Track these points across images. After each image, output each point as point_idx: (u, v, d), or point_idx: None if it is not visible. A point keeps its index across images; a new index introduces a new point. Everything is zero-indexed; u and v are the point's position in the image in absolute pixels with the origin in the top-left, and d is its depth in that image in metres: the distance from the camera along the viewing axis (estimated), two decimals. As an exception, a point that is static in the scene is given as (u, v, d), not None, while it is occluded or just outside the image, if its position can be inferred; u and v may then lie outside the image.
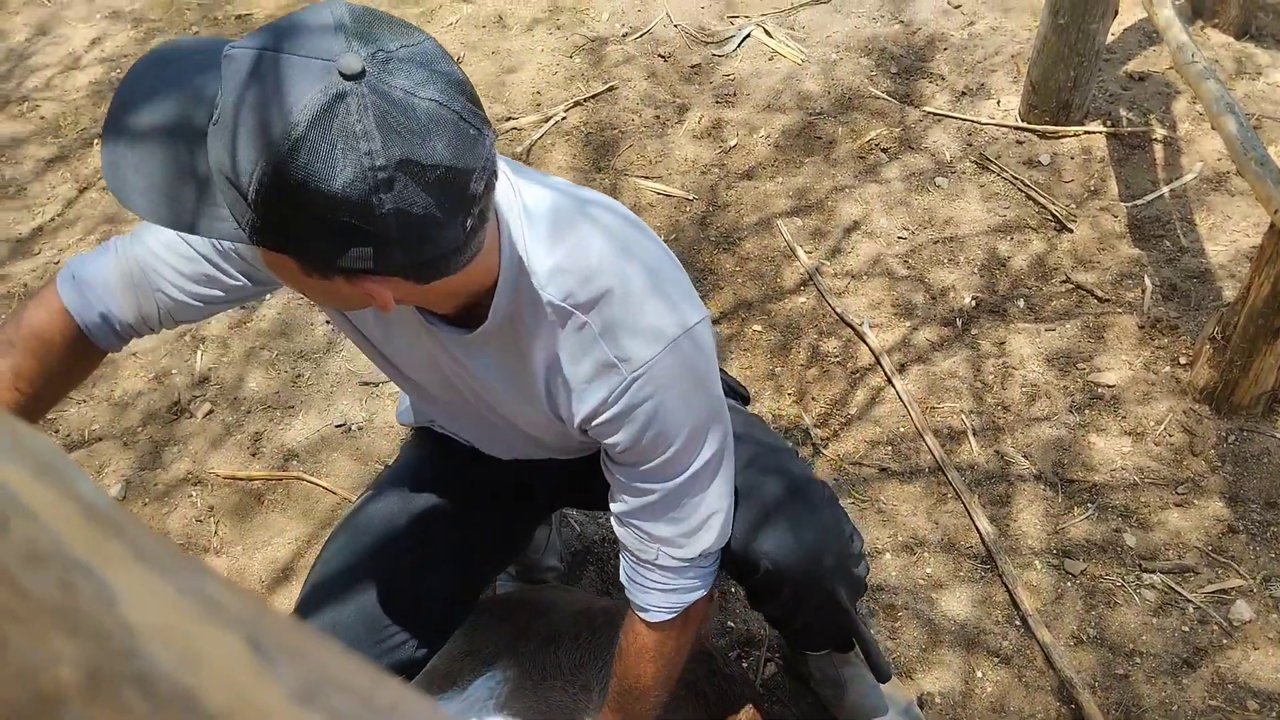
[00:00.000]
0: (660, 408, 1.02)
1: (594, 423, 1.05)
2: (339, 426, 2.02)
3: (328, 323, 2.20)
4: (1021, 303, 2.16)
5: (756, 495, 1.22)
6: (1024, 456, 1.91)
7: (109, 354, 1.17)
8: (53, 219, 2.48)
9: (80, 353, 1.12)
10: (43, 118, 2.76)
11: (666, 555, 1.16)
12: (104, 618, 0.20)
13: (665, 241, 2.23)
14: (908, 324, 2.14)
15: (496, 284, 0.95)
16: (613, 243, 1.00)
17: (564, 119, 2.63)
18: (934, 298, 2.18)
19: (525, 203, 0.98)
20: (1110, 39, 2.60)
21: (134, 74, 0.82)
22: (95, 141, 2.66)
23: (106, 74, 2.89)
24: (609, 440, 1.06)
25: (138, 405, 2.08)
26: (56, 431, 2.03)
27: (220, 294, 1.10)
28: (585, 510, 1.83)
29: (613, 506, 1.17)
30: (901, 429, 1.96)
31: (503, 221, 0.95)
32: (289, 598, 1.76)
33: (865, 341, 2.10)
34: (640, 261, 1.01)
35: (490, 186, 0.81)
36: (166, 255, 1.07)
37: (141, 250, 1.09)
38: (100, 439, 2.02)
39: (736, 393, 1.42)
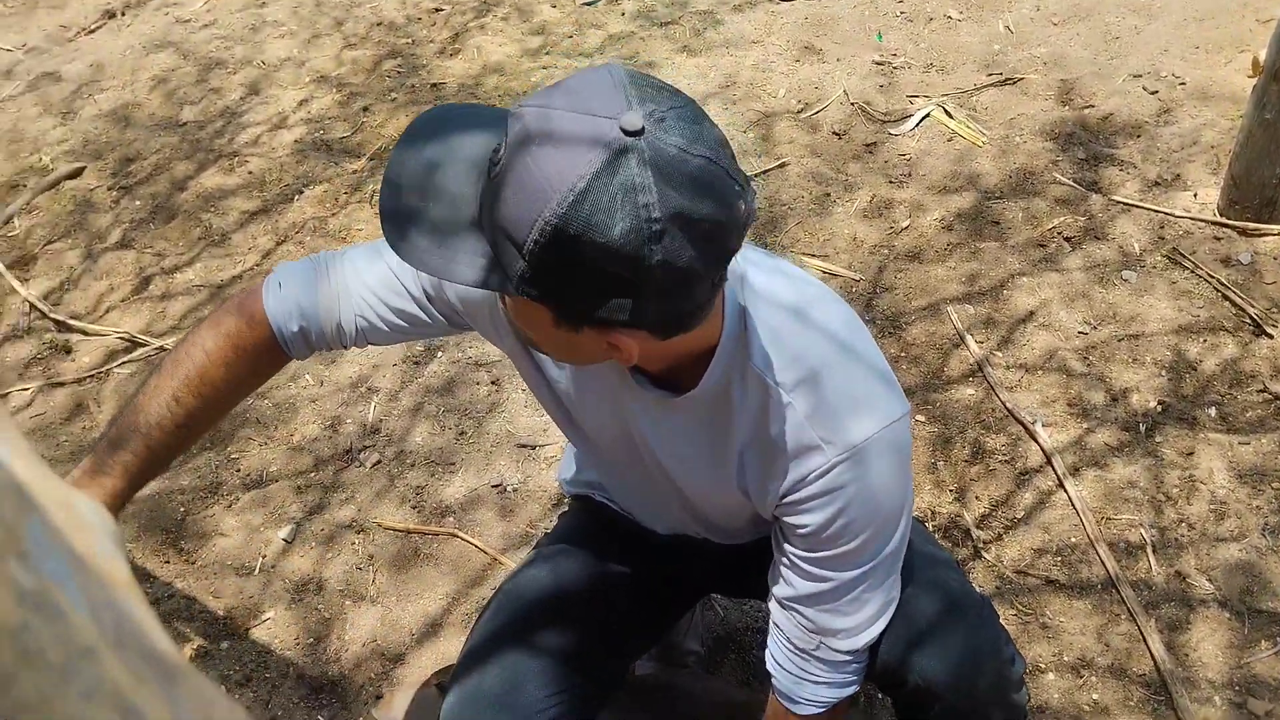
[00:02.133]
0: (856, 496, 1.01)
1: (785, 499, 1.04)
2: (495, 486, 2.07)
3: (493, 383, 2.27)
4: (1212, 411, 2.01)
5: (912, 604, 1.18)
6: (1207, 579, 1.77)
7: (292, 361, 1.23)
8: (251, 268, 2.65)
9: (269, 360, 1.19)
10: (250, 172, 2.98)
11: (828, 648, 1.14)
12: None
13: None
14: (1084, 425, 2.03)
15: (715, 350, 0.97)
16: (828, 329, 1.02)
17: (734, 193, 2.65)
18: (1114, 399, 2.06)
19: (749, 274, 1.01)
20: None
21: (414, 130, 0.88)
22: (295, 196, 2.85)
23: (310, 133, 3.10)
24: (795, 521, 1.05)
25: (312, 450, 2.19)
26: (238, 470, 2.16)
27: (415, 328, 1.16)
28: (733, 598, 1.80)
29: (777, 590, 1.15)
30: (1072, 538, 1.85)
31: (727, 289, 0.97)
32: (436, 651, 1.80)
33: (1036, 440, 2.00)
34: (853, 350, 1.02)
35: (739, 244, 0.84)
36: (373, 283, 1.13)
37: (350, 273, 1.14)
38: (276, 480, 2.13)
39: None
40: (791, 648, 1.17)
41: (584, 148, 0.76)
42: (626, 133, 0.76)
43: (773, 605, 1.17)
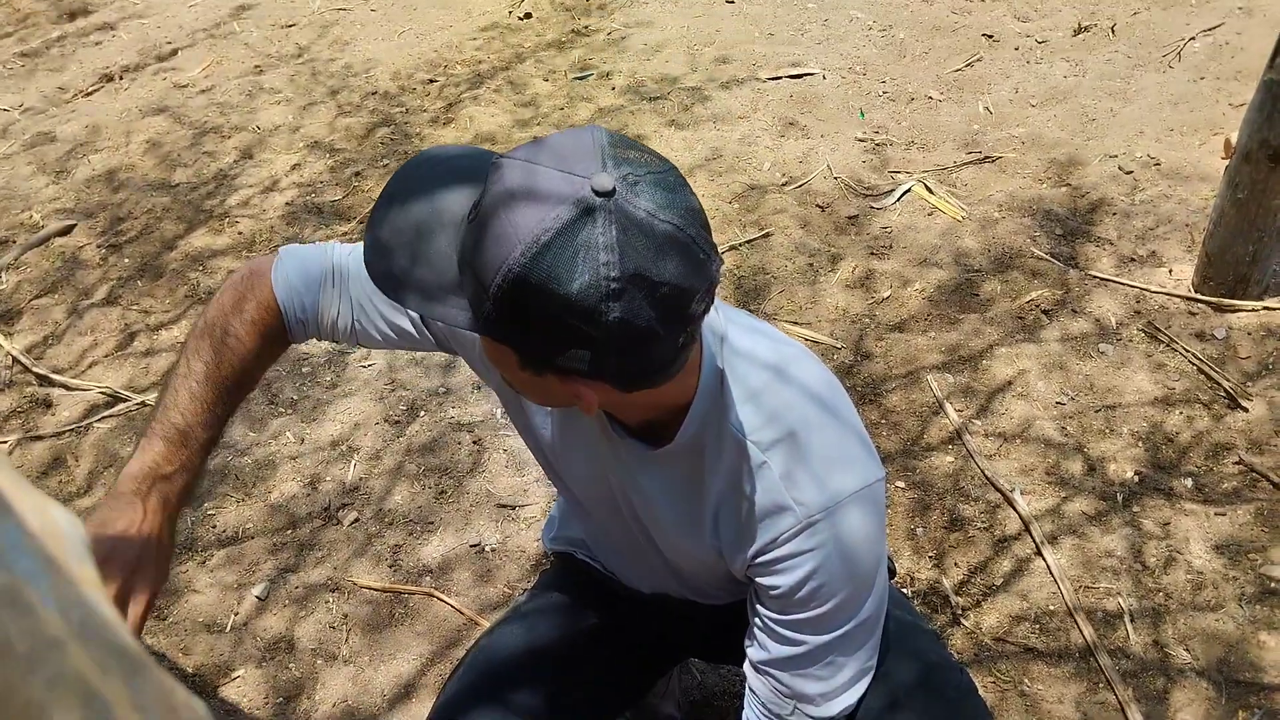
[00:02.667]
0: (829, 559, 1.01)
1: (757, 560, 1.04)
2: (473, 546, 2.06)
3: (475, 443, 2.27)
4: (1189, 482, 2.03)
5: (891, 676, 1.17)
6: (1185, 649, 1.76)
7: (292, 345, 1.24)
8: (237, 326, 2.66)
9: (277, 346, 1.21)
10: (240, 233, 3.01)
11: (802, 713, 1.12)
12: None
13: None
14: (1062, 494, 2.04)
15: (690, 405, 0.99)
16: (806, 389, 1.03)
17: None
18: (1092, 468, 2.08)
19: (730, 334, 1.03)
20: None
21: (398, 185, 0.91)
22: (283, 257, 2.88)
23: (301, 196, 3.14)
24: (767, 582, 1.05)
25: (290, 508, 2.18)
26: (214, 527, 2.14)
27: (407, 341, 1.19)
28: (712, 663, 1.78)
29: (751, 653, 1.14)
30: (1050, 606, 1.85)
31: (705, 347, 0.99)
32: (408, 713, 1.78)
33: (1014, 508, 2.01)
34: (831, 411, 1.03)
35: (707, 309, 0.86)
36: (374, 291, 1.15)
37: (355, 274, 1.17)
38: (252, 537, 2.12)
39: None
40: (766, 713, 1.15)
41: (553, 203, 0.79)
42: (597, 193, 0.79)
43: (748, 669, 1.16)
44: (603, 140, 0.83)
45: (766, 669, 1.12)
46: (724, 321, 1.03)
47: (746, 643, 1.16)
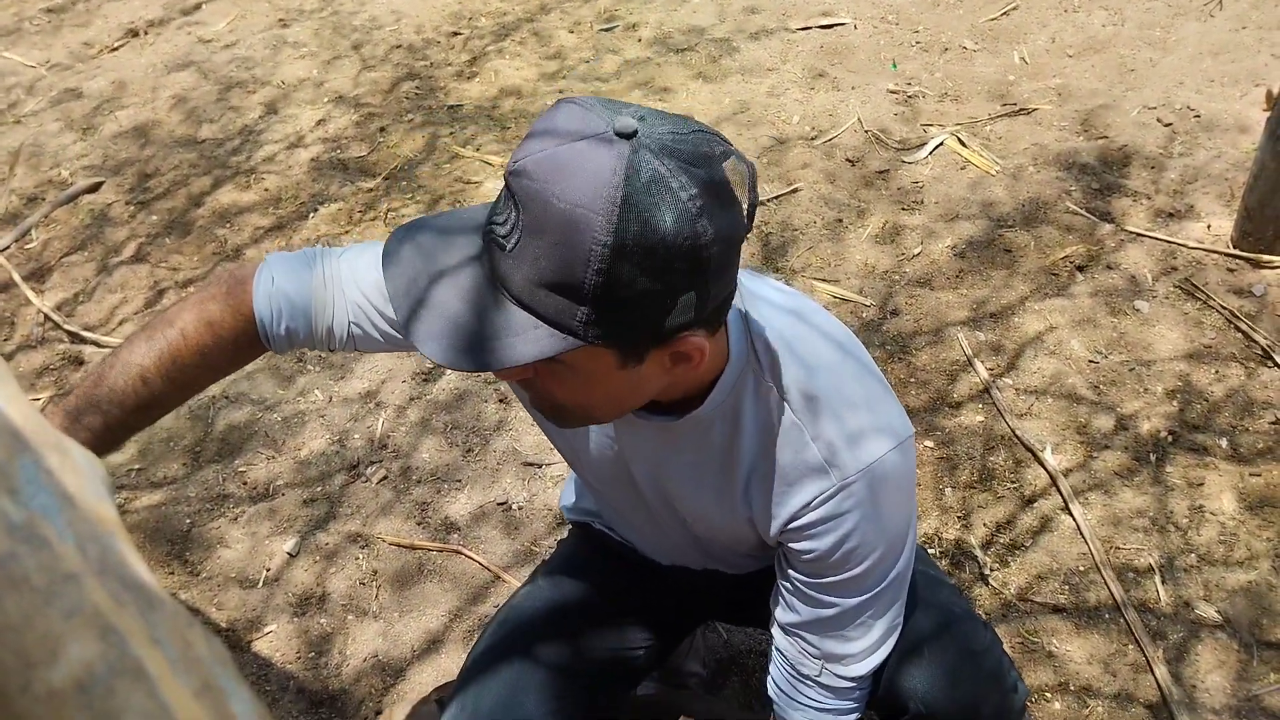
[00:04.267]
0: (862, 521, 1.00)
1: (791, 525, 1.03)
2: (500, 504, 2.07)
3: (501, 401, 2.27)
4: (1223, 440, 2.00)
5: (915, 632, 1.16)
6: (1215, 609, 1.75)
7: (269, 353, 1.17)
8: (264, 283, 2.67)
9: (247, 351, 1.13)
10: (266, 189, 3.01)
11: (830, 673, 1.12)
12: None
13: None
14: (1092, 451, 2.01)
15: (723, 370, 0.97)
16: (834, 353, 1.01)
17: (745, 217, 2.66)
18: (1123, 426, 2.05)
19: (754, 290, 1.01)
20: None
21: (394, 249, 0.87)
22: (309, 214, 2.88)
23: (326, 152, 3.13)
24: (800, 546, 1.04)
25: (319, 464, 2.19)
26: (244, 483, 2.16)
27: (407, 343, 1.09)
28: (735, 626, 1.79)
29: (779, 615, 1.13)
30: (1079, 565, 1.84)
31: (734, 311, 0.97)
32: (436, 667, 1.80)
33: (1043, 466, 1.99)
34: (857, 364, 1.02)
35: (756, 195, 0.86)
36: (370, 290, 1.08)
37: (347, 275, 1.09)
38: (282, 493, 2.14)
39: None
40: (794, 673, 1.15)
41: (599, 163, 0.76)
42: (625, 136, 0.77)
43: (775, 630, 1.16)
44: (588, 101, 0.82)
45: (795, 630, 1.12)
46: (743, 280, 1.02)
47: (773, 604, 1.15)
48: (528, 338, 0.80)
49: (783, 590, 1.12)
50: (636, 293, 0.78)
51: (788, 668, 1.16)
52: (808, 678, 1.14)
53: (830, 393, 0.99)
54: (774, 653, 1.18)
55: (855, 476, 0.98)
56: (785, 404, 0.99)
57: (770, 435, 1.00)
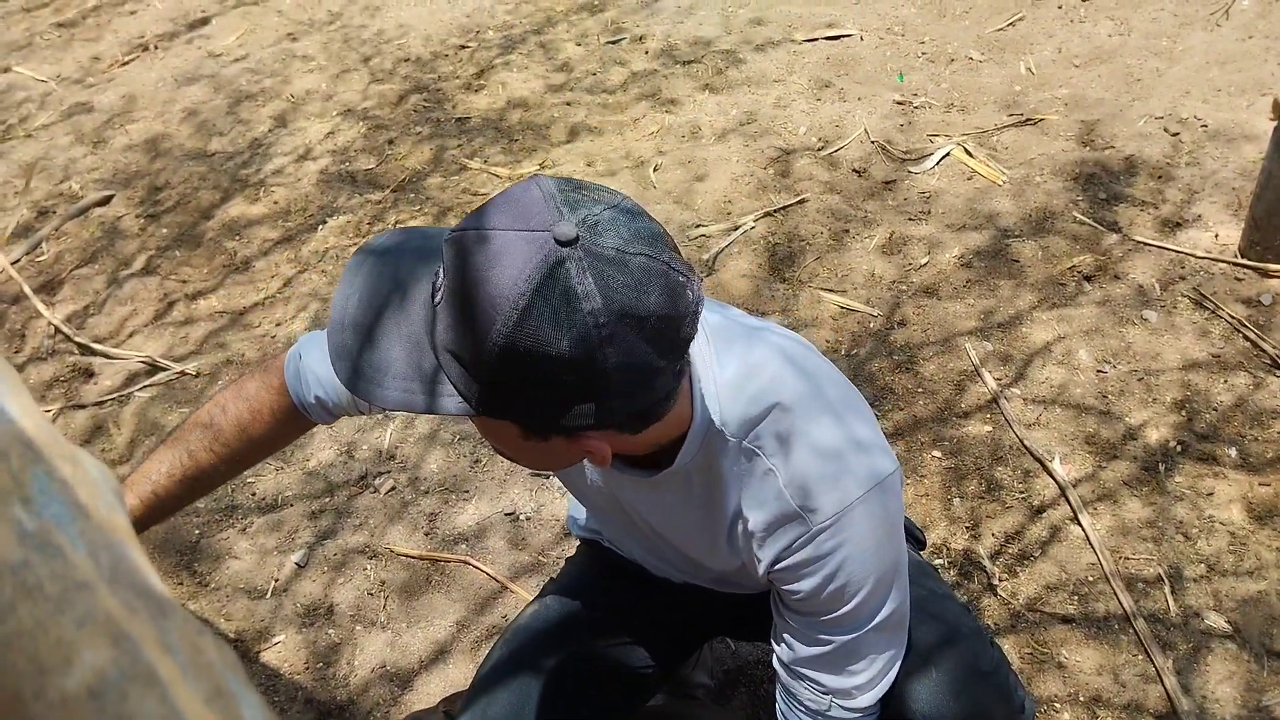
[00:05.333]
0: (845, 561, 0.99)
1: (775, 567, 1.03)
2: (508, 515, 2.07)
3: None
4: (1233, 450, 1.99)
5: (921, 646, 1.16)
6: (1225, 619, 1.74)
7: (318, 424, 1.25)
8: (273, 295, 2.69)
9: (290, 425, 1.22)
10: (275, 202, 3.02)
11: (839, 706, 1.11)
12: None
13: (844, 357, 2.20)
14: (1100, 461, 2.01)
15: (689, 428, 0.97)
16: (801, 389, 0.99)
17: (752, 228, 2.66)
18: (1132, 436, 2.05)
19: (715, 349, 1.00)
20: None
21: (352, 272, 0.88)
22: (318, 226, 2.89)
23: (335, 164, 3.14)
24: (789, 588, 1.04)
25: (327, 475, 2.20)
26: (253, 494, 2.17)
27: None
28: (745, 641, 1.78)
29: (780, 654, 1.13)
30: (1088, 575, 1.83)
31: (693, 366, 0.97)
32: (444, 678, 1.80)
33: (1052, 476, 1.99)
34: (830, 404, 0.99)
35: (694, 330, 0.83)
36: None
37: None
38: (291, 504, 2.14)
39: (913, 536, 1.37)
40: (802, 709, 1.15)
41: (520, 263, 0.75)
42: (561, 243, 0.76)
43: (778, 668, 1.16)
44: (551, 189, 0.80)
45: (797, 668, 1.12)
46: (705, 332, 1.01)
47: (774, 642, 1.15)
48: (436, 392, 0.83)
49: (781, 629, 1.12)
50: (525, 391, 0.79)
51: (796, 704, 1.15)
52: (818, 713, 1.13)
53: (805, 434, 0.97)
54: (780, 690, 1.18)
55: (831, 520, 0.97)
56: (758, 450, 0.98)
57: (744, 484, 1.00)
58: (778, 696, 1.19)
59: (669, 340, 0.79)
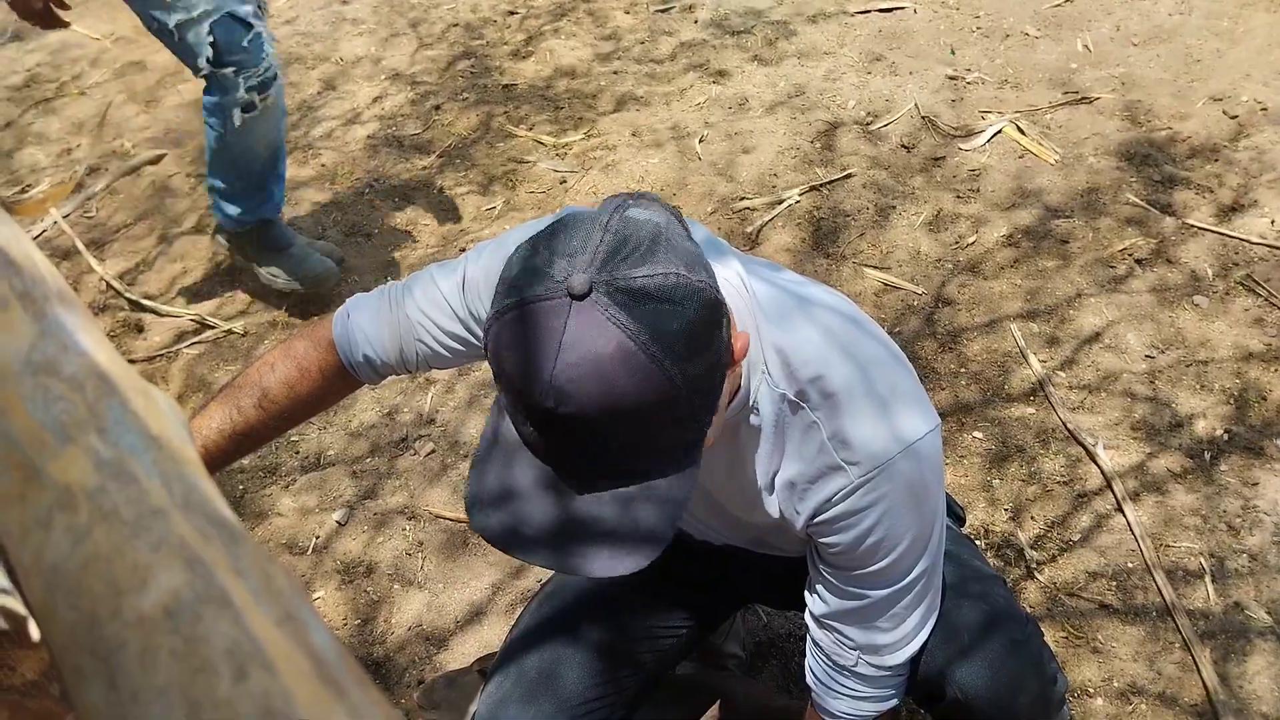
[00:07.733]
0: (885, 515, 1.00)
1: (815, 520, 1.04)
2: (546, 480, 2.08)
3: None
4: (1281, 441, 1.96)
5: (955, 618, 1.16)
6: (1267, 612, 1.72)
7: (365, 385, 1.27)
8: (319, 256, 2.71)
9: (337, 384, 1.23)
10: (323, 165, 3.05)
11: (866, 663, 1.12)
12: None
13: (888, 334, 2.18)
14: (1146, 449, 1.98)
15: (739, 384, 0.98)
16: (846, 345, 1.01)
17: (797, 202, 2.64)
18: (1179, 424, 2.02)
19: (760, 303, 1.01)
20: None
21: (477, 498, 0.93)
22: (365, 191, 2.91)
23: (382, 129, 3.16)
24: (826, 540, 1.05)
25: (369, 436, 2.22)
26: (297, 453, 2.20)
27: (470, 351, 1.17)
28: (777, 610, 1.79)
29: (813, 607, 1.14)
30: (1129, 563, 1.81)
31: (741, 321, 0.98)
32: (479, 638, 1.82)
33: (1096, 462, 1.96)
34: (875, 365, 1.01)
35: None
36: (432, 313, 1.15)
37: (410, 305, 1.17)
38: (333, 464, 2.17)
39: (953, 511, 1.37)
40: (831, 664, 1.16)
41: (601, 338, 0.81)
42: (572, 293, 0.81)
43: (809, 620, 1.16)
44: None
45: (829, 622, 1.13)
46: (751, 290, 1.03)
47: (807, 595, 1.16)
48: (647, 507, 0.90)
49: (815, 582, 1.13)
50: (706, 360, 0.86)
51: (824, 658, 1.16)
52: (845, 668, 1.14)
53: (849, 389, 0.98)
54: (809, 643, 1.18)
55: (874, 473, 0.98)
56: (803, 404, 0.99)
57: (790, 435, 1.01)
58: (807, 651, 1.20)
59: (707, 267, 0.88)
